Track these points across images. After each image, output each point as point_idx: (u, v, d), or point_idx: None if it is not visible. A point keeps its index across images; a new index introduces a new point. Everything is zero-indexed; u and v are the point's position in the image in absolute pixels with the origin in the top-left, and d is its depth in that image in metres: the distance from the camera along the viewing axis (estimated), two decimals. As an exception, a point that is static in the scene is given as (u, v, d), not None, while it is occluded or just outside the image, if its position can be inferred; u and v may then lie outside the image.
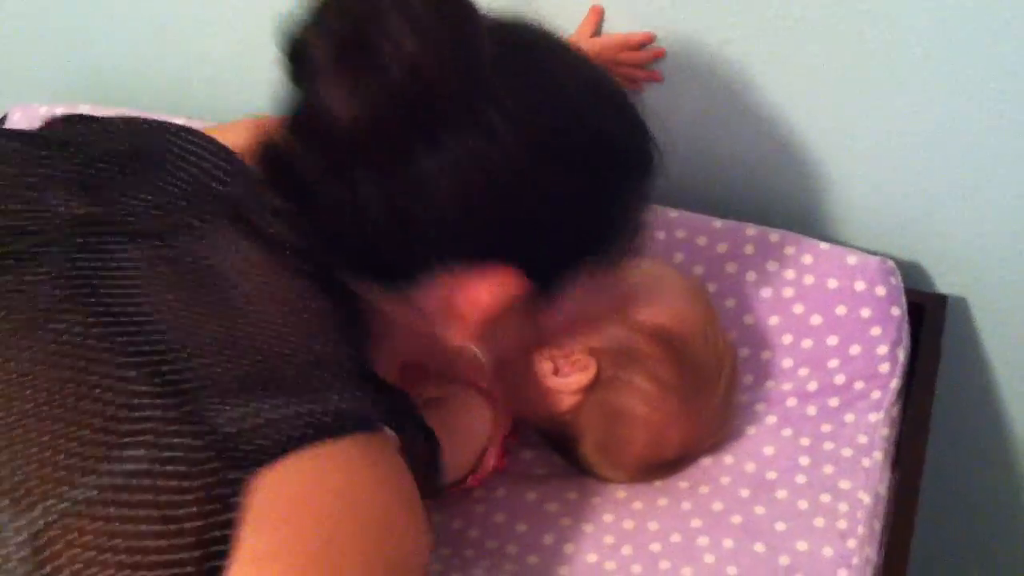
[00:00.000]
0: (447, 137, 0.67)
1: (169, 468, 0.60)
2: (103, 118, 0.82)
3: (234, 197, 0.74)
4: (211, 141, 0.77)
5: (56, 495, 0.59)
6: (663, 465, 0.97)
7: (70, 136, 0.79)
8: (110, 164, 0.76)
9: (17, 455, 0.60)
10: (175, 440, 0.61)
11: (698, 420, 0.95)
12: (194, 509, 0.59)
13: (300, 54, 0.69)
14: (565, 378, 0.93)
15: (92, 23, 1.29)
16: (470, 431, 0.95)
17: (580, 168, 0.72)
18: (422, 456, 0.74)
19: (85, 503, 0.59)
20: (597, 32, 1.09)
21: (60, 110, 1.21)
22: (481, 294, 0.72)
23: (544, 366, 0.93)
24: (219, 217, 0.72)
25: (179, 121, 0.82)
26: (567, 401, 0.94)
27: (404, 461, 0.68)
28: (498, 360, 0.81)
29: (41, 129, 0.81)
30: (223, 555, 0.59)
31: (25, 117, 1.27)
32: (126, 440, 0.60)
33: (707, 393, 0.95)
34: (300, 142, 0.71)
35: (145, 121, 0.82)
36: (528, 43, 0.73)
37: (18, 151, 0.76)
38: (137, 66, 1.30)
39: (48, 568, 0.58)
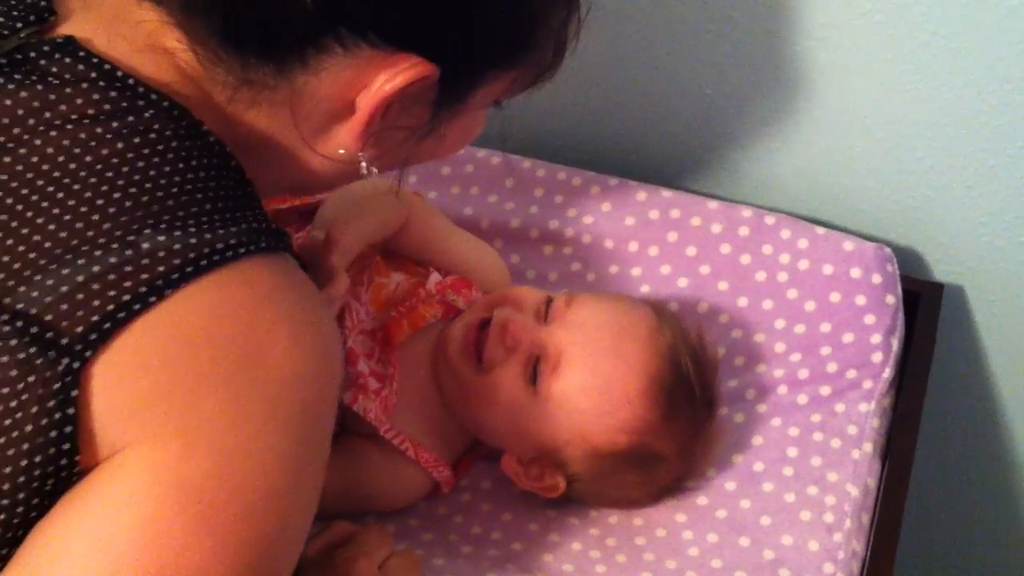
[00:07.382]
0: None
1: None
2: None
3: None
4: None
5: None
6: (663, 490, 0.94)
7: None
8: None
9: None
10: None
11: (689, 452, 0.92)
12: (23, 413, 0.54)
13: None
14: (537, 482, 0.92)
15: None
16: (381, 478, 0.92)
17: None
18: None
19: None
20: None
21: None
22: (380, 78, 0.64)
23: (514, 467, 0.92)
24: None
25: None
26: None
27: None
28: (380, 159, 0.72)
29: None
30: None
31: None
32: None
33: (694, 425, 0.91)
34: None
35: None
36: None
37: None
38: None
39: None
